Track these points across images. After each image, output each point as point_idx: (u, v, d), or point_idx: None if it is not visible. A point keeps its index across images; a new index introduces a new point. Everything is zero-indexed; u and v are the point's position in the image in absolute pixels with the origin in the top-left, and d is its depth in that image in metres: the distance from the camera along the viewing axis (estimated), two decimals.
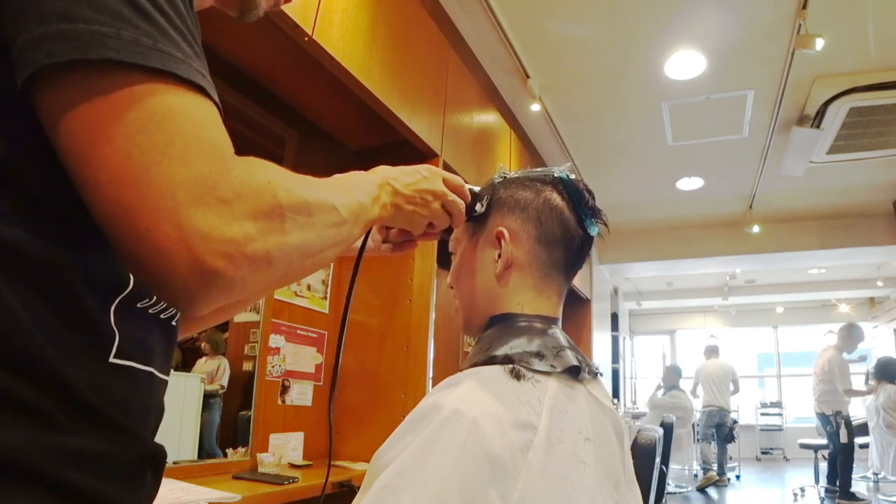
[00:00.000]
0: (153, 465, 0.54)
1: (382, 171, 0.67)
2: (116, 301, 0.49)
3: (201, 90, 0.44)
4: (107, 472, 0.47)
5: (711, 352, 7.10)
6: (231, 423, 1.81)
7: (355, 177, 0.63)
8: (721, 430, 6.52)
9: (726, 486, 6.28)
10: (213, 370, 1.79)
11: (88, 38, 0.38)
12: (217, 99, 0.46)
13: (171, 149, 0.40)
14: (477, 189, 0.82)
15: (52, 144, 0.40)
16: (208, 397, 1.75)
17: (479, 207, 0.78)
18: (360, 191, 0.60)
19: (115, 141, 0.39)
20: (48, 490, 0.42)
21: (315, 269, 0.56)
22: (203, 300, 0.42)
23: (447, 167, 2.21)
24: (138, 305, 0.52)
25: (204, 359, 1.79)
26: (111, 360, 0.49)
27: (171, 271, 0.40)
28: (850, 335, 5.48)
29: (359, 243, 0.78)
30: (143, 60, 0.40)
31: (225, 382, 1.79)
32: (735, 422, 6.82)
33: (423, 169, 0.71)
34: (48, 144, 0.41)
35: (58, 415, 0.43)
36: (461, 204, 0.74)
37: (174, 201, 0.39)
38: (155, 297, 0.54)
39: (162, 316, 0.57)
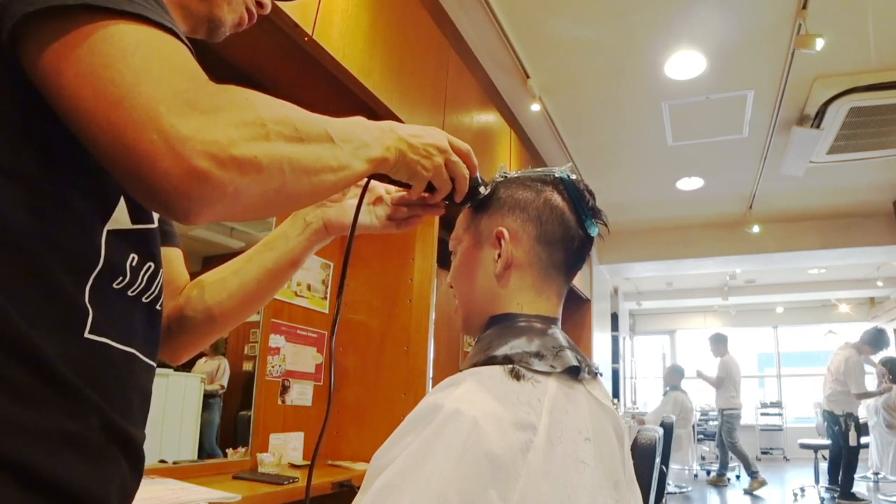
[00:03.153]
0: (126, 451, 0.53)
1: (389, 122, 0.67)
2: (90, 280, 0.50)
3: (172, 32, 0.47)
4: (71, 453, 0.46)
5: (726, 344, 6.57)
6: (231, 423, 1.81)
7: (360, 119, 0.63)
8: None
9: (726, 486, 6.24)
10: (213, 370, 1.79)
11: None
12: (189, 44, 0.49)
13: (149, 72, 0.43)
14: None
15: (41, 89, 0.44)
16: (208, 397, 1.75)
17: (483, 189, 0.77)
18: (363, 129, 0.61)
19: (97, 70, 0.43)
20: (5, 471, 0.41)
21: (315, 196, 0.57)
22: (199, 204, 0.44)
23: None
24: (114, 286, 0.53)
25: (204, 359, 1.79)
26: (86, 335, 0.49)
27: (161, 176, 0.42)
28: (877, 339, 5.28)
29: (350, 217, 0.78)
30: (116, 5, 0.44)
31: (225, 382, 1.79)
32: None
33: (428, 128, 0.71)
34: (17, 119, 0.45)
35: (23, 383, 0.43)
36: (464, 169, 0.73)
37: (156, 113, 0.42)
38: (129, 277, 0.54)
39: (144, 299, 0.57)
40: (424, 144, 0.68)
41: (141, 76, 0.43)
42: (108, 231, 0.52)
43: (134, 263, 0.55)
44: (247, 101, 0.48)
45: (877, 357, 5.41)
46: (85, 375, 0.48)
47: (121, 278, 0.53)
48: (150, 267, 0.58)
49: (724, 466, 6.28)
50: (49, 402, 0.45)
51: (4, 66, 0.44)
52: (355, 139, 0.58)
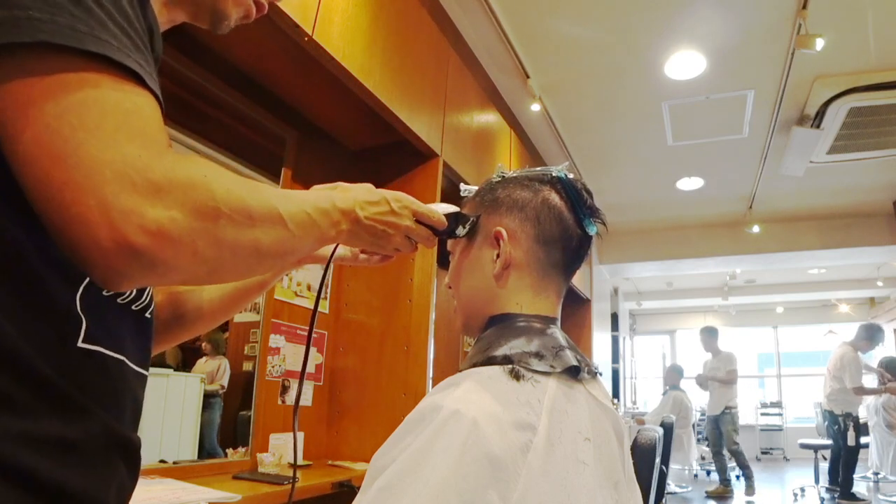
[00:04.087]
0: (125, 455, 0.53)
1: (354, 196, 0.66)
2: (82, 288, 0.50)
3: (138, 79, 0.45)
4: (70, 458, 0.46)
5: (715, 337, 6.13)
6: (231, 423, 1.81)
7: (325, 197, 0.63)
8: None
9: (732, 497, 5.74)
10: (213, 370, 1.79)
11: (24, 22, 0.40)
12: (157, 91, 0.47)
13: (101, 130, 0.41)
14: (472, 187, 0.83)
15: None
16: (209, 397, 1.75)
17: (460, 230, 0.78)
18: (320, 212, 0.60)
19: (45, 118, 0.40)
20: (6, 476, 0.42)
21: (252, 275, 0.57)
22: (126, 277, 0.43)
23: (447, 167, 2.21)
24: (105, 293, 0.53)
25: (204, 359, 1.79)
26: (79, 344, 0.49)
27: (91, 245, 0.40)
28: (871, 333, 5.28)
29: (328, 251, 0.81)
30: (77, 44, 0.41)
31: (225, 382, 1.79)
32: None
33: (394, 201, 0.71)
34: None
35: (16, 396, 0.43)
36: (426, 235, 0.75)
37: (101, 178, 0.40)
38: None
39: (133, 307, 0.57)
40: (383, 224, 0.69)
41: (92, 134, 0.40)
42: None
43: None
44: (204, 180, 0.45)
45: (873, 352, 5.40)
46: (79, 384, 0.48)
47: None
48: None
49: (726, 472, 5.69)
50: (46, 412, 0.45)
51: None
52: (308, 222, 0.57)
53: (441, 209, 0.77)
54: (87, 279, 0.50)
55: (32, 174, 0.40)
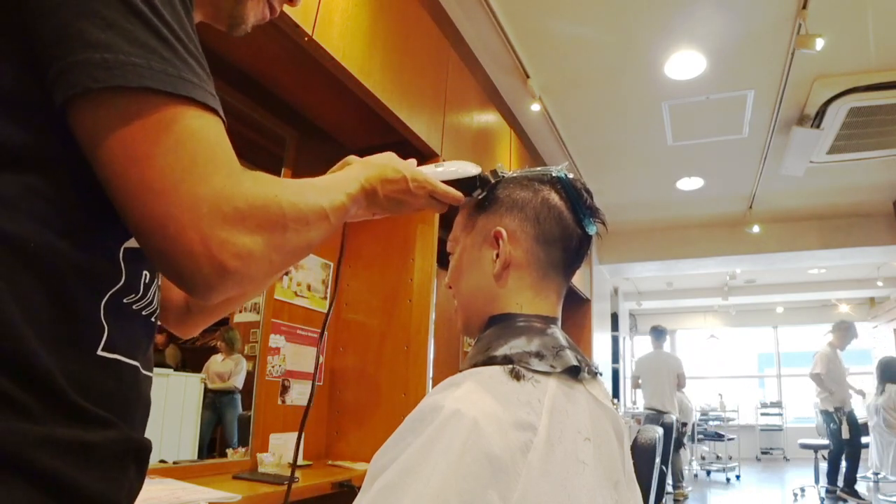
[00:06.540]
0: (136, 458, 0.55)
1: (379, 174, 0.72)
2: (108, 295, 0.51)
3: (213, 111, 0.51)
4: (86, 462, 0.48)
5: (658, 337, 5.83)
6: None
7: (353, 179, 0.69)
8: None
9: (687, 498, 5.46)
10: (228, 370, 1.80)
11: (129, 68, 0.45)
12: (222, 113, 0.53)
13: (195, 167, 0.47)
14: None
15: (88, 156, 0.47)
16: (227, 393, 1.77)
17: (477, 193, 0.81)
18: (351, 198, 0.67)
19: (150, 159, 0.46)
20: (23, 478, 0.43)
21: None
22: (219, 292, 0.50)
23: None
24: (125, 301, 0.54)
25: (220, 357, 1.80)
26: (99, 352, 0.51)
27: (195, 269, 0.47)
28: (843, 333, 5.47)
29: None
30: (171, 88, 0.47)
31: (239, 383, 1.80)
32: (684, 424, 5.72)
33: (412, 181, 0.75)
34: (62, 145, 0.46)
35: (34, 406, 0.44)
36: (442, 207, 0.80)
37: (199, 213, 0.47)
38: (141, 293, 0.57)
39: (144, 312, 0.59)
40: (402, 195, 0.75)
41: (188, 172, 0.47)
42: (125, 248, 0.53)
43: (147, 280, 0.57)
44: (275, 199, 0.53)
45: (847, 348, 5.52)
46: (96, 393, 0.50)
47: (133, 295, 0.55)
48: (156, 282, 0.60)
49: (674, 474, 5.33)
50: (65, 419, 0.47)
51: (50, 115, 0.46)
52: (343, 210, 0.64)
53: (457, 167, 0.82)
54: (114, 288, 0.52)
55: (138, 208, 0.46)
